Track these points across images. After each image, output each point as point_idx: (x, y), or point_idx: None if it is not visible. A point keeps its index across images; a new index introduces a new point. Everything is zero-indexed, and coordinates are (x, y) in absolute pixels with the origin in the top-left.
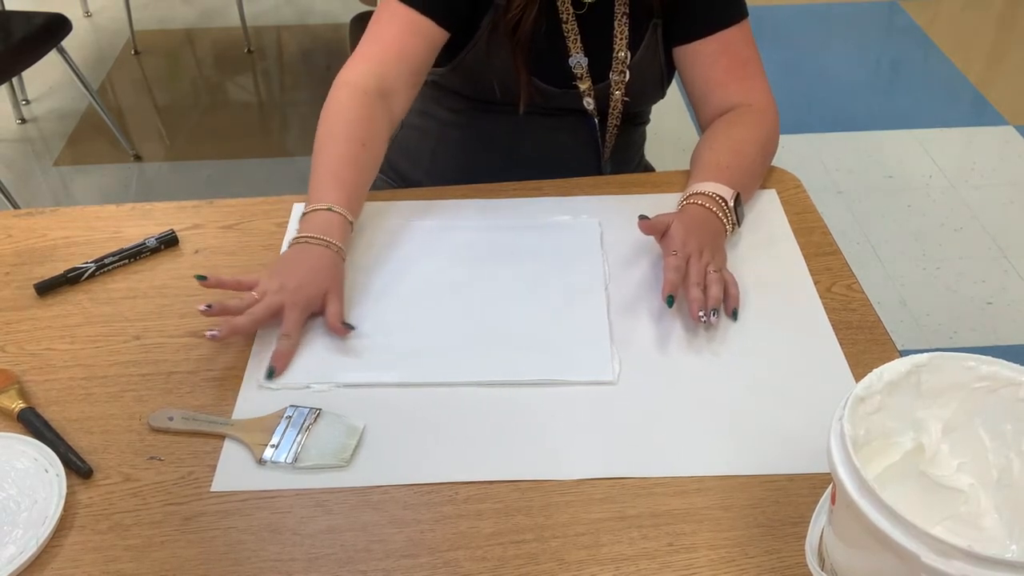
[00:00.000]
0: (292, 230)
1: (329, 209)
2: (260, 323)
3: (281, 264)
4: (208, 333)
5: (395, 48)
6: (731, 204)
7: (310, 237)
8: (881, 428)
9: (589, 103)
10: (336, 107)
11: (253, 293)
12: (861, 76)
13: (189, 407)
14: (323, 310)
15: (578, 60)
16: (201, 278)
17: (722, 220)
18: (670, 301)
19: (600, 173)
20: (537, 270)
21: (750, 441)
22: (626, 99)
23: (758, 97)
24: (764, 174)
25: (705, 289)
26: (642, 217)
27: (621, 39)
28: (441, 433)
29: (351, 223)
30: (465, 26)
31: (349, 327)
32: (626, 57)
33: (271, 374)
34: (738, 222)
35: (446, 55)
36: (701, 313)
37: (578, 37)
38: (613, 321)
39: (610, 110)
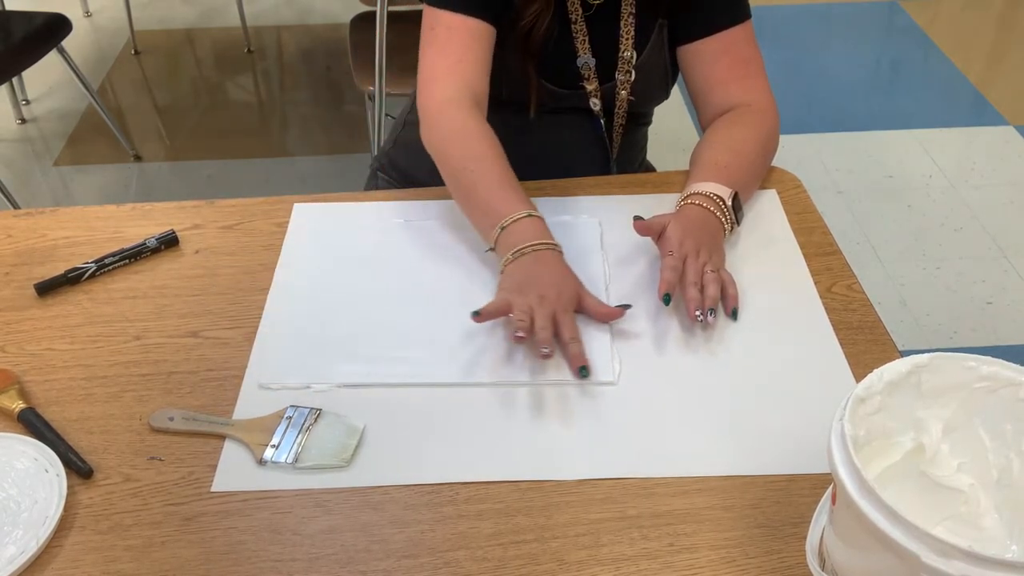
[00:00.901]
0: (292, 230)
1: (529, 215)
2: (552, 335)
3: (522, 278)
4: (542, 352)
5: (469, 57)
6: (729, 204)
7: (535, 244)
8: (881, 428)
9: (595, 103)
10: (456, 127)
11: (522, 312)
12: (861, 76)
13: (189, 407)
14: (579, 307)
15: (586, 61)
16: (475, 314)
17: (720, 220)
18: (667, 300)
19: (607, 172)
20: None
21: (751, 441)
22: (631, 99)
23: (759, 97)
24: (764, 174)
25: (702, 289)
26: (637, 218)
27: (627, 39)
28: (441, 433)
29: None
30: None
31: (626, 307)
32: (632, 57)
33: (587, 373)
34: (737, 221)
35: None
36: (698, 313)
37: (586, 38)
38: (613, 321)
39: (615, 110)
